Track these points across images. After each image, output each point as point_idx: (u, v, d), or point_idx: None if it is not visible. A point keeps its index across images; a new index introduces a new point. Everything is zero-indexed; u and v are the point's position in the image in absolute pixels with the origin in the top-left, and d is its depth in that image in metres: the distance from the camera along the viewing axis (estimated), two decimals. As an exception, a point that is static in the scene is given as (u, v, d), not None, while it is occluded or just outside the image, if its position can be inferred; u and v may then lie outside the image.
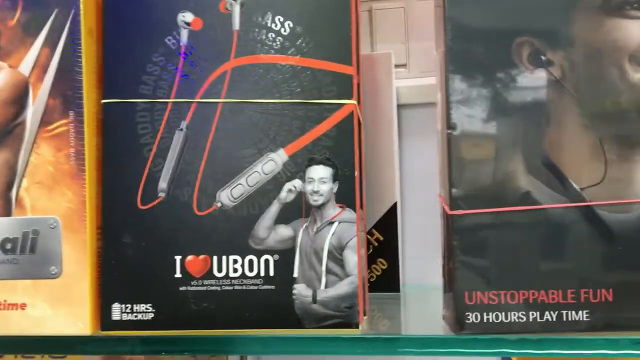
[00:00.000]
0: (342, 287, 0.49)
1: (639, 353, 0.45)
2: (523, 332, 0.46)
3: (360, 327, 0.49)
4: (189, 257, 0.50)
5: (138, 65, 0.51)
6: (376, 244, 0.70)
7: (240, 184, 0.50)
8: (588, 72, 0.46)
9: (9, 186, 0.51)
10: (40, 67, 0.51)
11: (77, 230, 0.50)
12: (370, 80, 0.69)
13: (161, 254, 0.50)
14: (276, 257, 0.49)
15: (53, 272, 0.50)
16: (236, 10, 0.50)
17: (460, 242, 0.47)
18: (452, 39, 0.47)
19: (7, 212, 0.51)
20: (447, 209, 0.48)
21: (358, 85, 0.54)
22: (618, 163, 0.46)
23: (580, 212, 0.46)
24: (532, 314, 0.46)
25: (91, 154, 0.51)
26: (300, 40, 0.50)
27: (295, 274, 0.49)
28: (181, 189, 0.50)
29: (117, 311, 0.50)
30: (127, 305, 0.50)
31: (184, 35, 0.51)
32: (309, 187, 0.49)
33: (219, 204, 0.50)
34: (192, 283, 0.49)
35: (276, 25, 0.50)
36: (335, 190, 0.49)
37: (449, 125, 0.47)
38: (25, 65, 0.51)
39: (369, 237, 0.70)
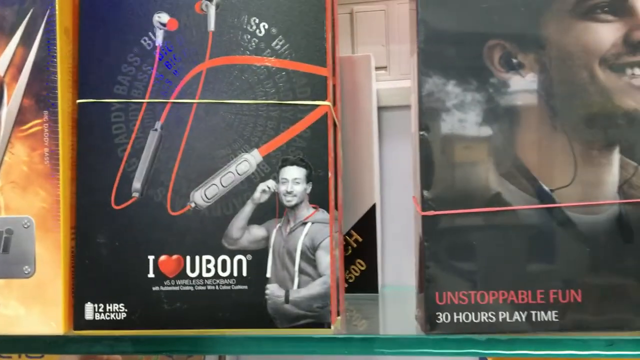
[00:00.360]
0: (315, 287, 0.49)
1: (609, 354, 0.45)
2: (493, 332, 0.46)
3: (332, 327, 0.49)
4: (162, 257, 0.50)
5: (113, 66, 0.51)
6: (355, 245, 0.70)
7: (214, 184, 0.50)
8: (559, 75, 0.47)
9: (-18, 185, 0.51)
10: (15, 66, 0.51)
11: (50, 230, 0.50)
12: (350, 82, 0.69)
13: (134, 254, 0.50)
14: (249, 257, 0.49)
15: (26, 272, 0.50)
16: (212, 12, 0.51)
17: (432, 243, 0.47)
18: (424, 42, 0.47)
19: (-19, 212, 0.51)
20: (419, 209, 0.48)
21: (334, 86, 0.54)
22: (587, 165, 0.46)
23: (550, 213, 0.47)
24: (502, 314, 0.47)
25: (65, 153, 0.51)
26: (275, 42, 0.50)
27: (268, 274, 0.49)
28: (155, 189, 0.50)
29: (90, 311, 0.50)
30: (100, 305, 0.50)
31: (160, 35, 0.51)
32: (282, 188, 0.49)
33: (192, 204, 0.50)
34: (165, 283, 0.49)
35: (251, 27, 0.50)
36: (308, 191, 0.49)
37: (421, 126, 0.47)
38: (0, 65, 0.51)
39: (347, 238, 0.70)
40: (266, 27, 0.50)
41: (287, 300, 0.49)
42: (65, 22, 0.52)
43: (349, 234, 0.70)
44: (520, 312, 0.46)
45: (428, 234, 0.47)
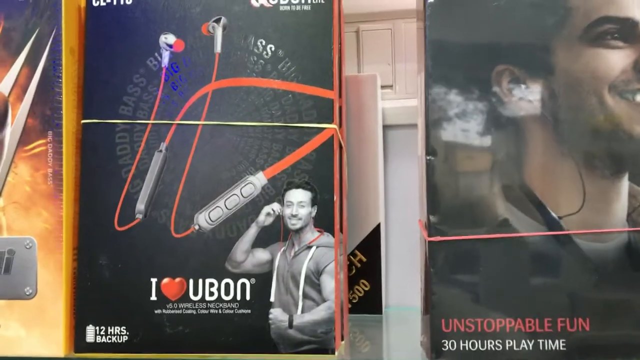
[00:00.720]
0: (319, 313, 0.48)
1: (617, 384, 0.45)
2: (499, 361, 0.45)
3: (336, 352, 0.48)
4: (165, 280, 0.49)
5: (118, 86, 0.51)
6: (359, 265, 0.70)
7: (218, 206, 0.49)
8: (567, 102, 0.46)
9: (-15, 205, 0.50)
10: (20, 86, 0.50)
11: (53, 251, 0.50)
12: (356, 102, 0.69)
13: (137, 276, 0.49)
14: (253, 281, 0.49)
15: (28, 293, 0.50)
16: (218, 33, 0.50)
17: (438, 269, 0.47)
18: (433, 64, 0.47)
19: (-17, 232, 0.50)
20: (425, 235, 0.48)
21: (340, 108, 0.54)
22: (596, 192, 0.46)
23: (558, 240, 0.46)
24: (509, 343, 0.46)
25: (69, 174, 0.51)
26: (281, 64, 0.50)
27: (272, 299, 0.49)
28: (159, 211, 0.50)
29: (91, 333, 0.49)
30: (102, 328, 0.49)
31: (166, 56, 0.51)
32: (287, 211, 0.49)
33: (196, 227, 0.49)
34: (168, 306, 0.49)
35: (258, 49, 0.50)
36: (313, 214, 0.49)
37: (428, 151, 0.47)
38: (5, 85, 0.50)
39: (351, 258, 0.69)
40: (273, 49, 0.50)
41: (290, 325, 0.48)
42: (71, 42, 0.51)
43: (353, 253, 0.70)
44: (528, 341, 0.46)
45: (434, 259, 0.47)
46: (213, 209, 0.49)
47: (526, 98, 0.46)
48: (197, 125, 0.50)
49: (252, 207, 0.49)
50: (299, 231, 0.49)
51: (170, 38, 0.51)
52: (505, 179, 0.46)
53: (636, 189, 0.46)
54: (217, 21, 0.50)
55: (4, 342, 0.50)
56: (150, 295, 0.49)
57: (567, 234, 0.46)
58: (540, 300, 0.46)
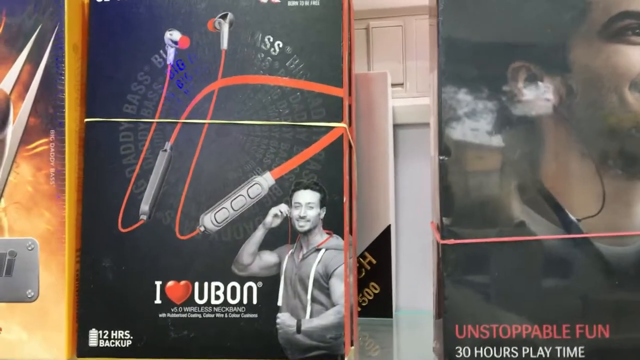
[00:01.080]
0: (328, 317, 0.47)
1: (637, 392, 0.43)
2: (515, 369, 0.44)
3: (346, 358, 0.47)
4: (170, 283, 0.48)
5: (123, 84, 0.49)
6: (369, 267, 0.68)
7: (224, 207, 0.48)
8: (586, 99, 0.44)
9: (-14, 206, 0.49)
10: (22, 84, 0.49)
11: (55, 253, 0.48)
12: (366, 100, 0.68)
13: (141, 279, 0.48)
14: (260, 284, 0.47)
15: (29, 296, 0.49)
16: (225, 29, 0.49)
17: (451, 273, 0.45)
18: (446, 62, 0.45)
19: (-16, 233, 0.49)
20: (438, 237, 0.46)
21: (350, 106, 0.53)
22: (616, 194, 0.44)
23: (576, 244, 0.44)
24: (525, 350, 0.44)
25: (72, 174, 0.49)
26: (289, 61, 0.48)
27: (280, 303, 0.47)
28: (163, 212, 0.48)
29: (94, 337, 0.48)
30: (105, 332, 0.48)
31: (171, 53, 0.49)
32: (295, 212, 0.47)
33: (202, 228, 0.48)
34: (173, 310, 0.48)
35: (265, 45, 0.49)
36: (322, 216, 0.47)
37: (441, 151, 0.45)
38: (7, 83, 0.49)
39: (361, 260, 0.68)
40: (280, 45, 0.49)
41: (298, 330, 0.47)
42: (74, 39, 0.50)
43: (362, 255, 0.68)
44: (545, 348, 0.44)
45: (447, 263, 0.45)
46: (219, 210, 0.48)
47: (543, 96, 0.45)
48: (203, 124, 0.49)
49: (259, 208, 0.48)
50: (307, 233, 0.47)
51: (175, 34, 0.49)
52: (521, 180, 0.45)
53: (658, 190, 0.44)
54: (224, 17, 0.49)
55: (5, 346, 0.48)
56: (155, 299, 0.48)
57: (586, 237, 0.44)
58: (557, 306, 0.44)
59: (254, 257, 0.47)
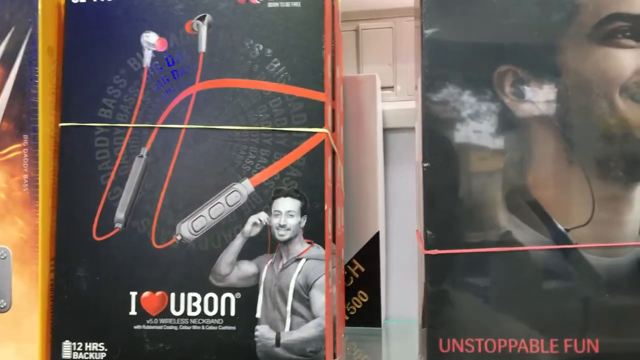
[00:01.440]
0: (308, 330, 0.45)
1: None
2: (501, 384, 0.42)
3: (327, 372, 0.45)
4: (145, 294, 0.46)
5: (98, 87, 0.48)
6: (357, 275, 0.67)
7: (202, 215, 0.46)
8: (575, 104, 0.43)
9: (-42, 213, 0.48)
10: (-6, 87, 0.48)
11: (28, 262, 0.47)
12: (354, 104, 0.66)
13: (116, 289, 0.46)
14: (238, 295, 0.46)
15: (2, 306, 0.47)
16: (203, 32, 0.48)
17: (435, 285, 0.43)
18: (429, 65, 0.44)
19: (-45, 241, 0.48)
20: (422, 247, 0.44)
21: (333, 111, 0.51)
22: (606, 203, 0.42)
23: (565, 254, 0.43)
24: (512, 365, 0.43)
25: (46, 180, 0.48)
26: (270, 64, 0.47)
27: (258, 314, 0.46)
28: (139, 220, 0.47)
29: (67, 349, 0.47)
30: (79, 344, 0.47)
31: (148, 56, 0.48)
32: (275, 221, 0.46)
33: (178, 237, 0.46)
34: (148, 321, 0.46)
35: (245, 48, 0.47)
36: (303, 224, 0.46)
37: (425, 157, 0.44)
38: (-21, 86, 0.48)
39: (349, 267, 0.66)
40: (260, 48, 0.47)
41: (278, 344, 0.45)
42: (49, 41, 0.49)
43: (350, 263, 0.66)
44: (532, 363, 0.42)
45: (431, 274, 0.43)
46: (196, 218, 0.46)
47: (531, 101, 0.43)
48: (180, 129, 0.47)
49: (238, 216, 0.46)
50: (287, 242, 0.46)
51: (152, 37, 0.48)
52: (508, 189, 0.43)
53: (650, 199, 0.42)
54: (202, 19, 0.48)
55: (-24, 358, 0.47)
56: (130, 310, 0.46)
57: (575, 247, 0.42)
58: (545, 320, 0.43)
59: (232, 267, 0.46)
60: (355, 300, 0.67)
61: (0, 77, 0.48)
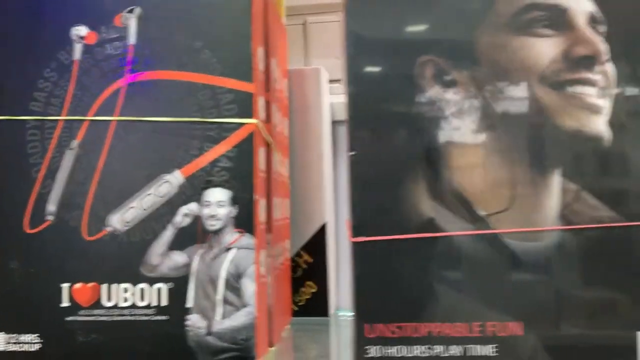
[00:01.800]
0: (239, 318, 0.46)
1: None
2: (426, 367, 0.43)
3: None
4: (77, 285, 0.47)
5: (29, 81, 0.48)
6: (305, 266, 0.67)
7: (133, 207, 0.47)
8: (494, 93, 0.44)
9: None
10: None
11: (-40, 255, 0.47)
12: (300, 96, 0.67)
13: (48, 281, 0.47)
14: (169, 285, 0.46)
15: None
16: (132, 24, 0.48)
17: (361, 271, 0.44)
18: (352, 57, 0.44)
19: None
20: (349, 235, 0.45)
21: (268, 103, 0.52)
22: (526, 189, 0.43)
23: (486, 240, 0.44)
24: (437, 348, 0.43)
25: (-23, 174, 0.48)
26: (199, 56, 0.47)
27: (190, 304, 0.46)
28: (70, 213, 0.47)
29: (2, 341, 0.47)
30: (13, 335, 0.47)
31: (78, 49, 0.48)
32: (205, 211, 0.46)
33: (109, 229, 0.47)
34: (80, 313, 0.46)
35: (174, 40, 0.48)
36: (233, 214, 0.46)
37: (350, 147, 0.44)
38: None
39: (297, 259, 0.67)
40: (190, 40, 0.47)
41: (209, 332, 0.46)
42: (-20, 35, 0.49)
43: (298, 254, 0.67)
44: (456, 346, 0.43)
45: (358, 261, 0.44)
46: (127, 210, 0.47)
47: (451, 90, 0.44)
48: (111, 121, 0.47)
49: (169, 207, 0.47)
50: (218, 232, 0.46)
51: (82, 30, 0.48)
52: (430, 176, 0.44)
53: (568, 185, 0.43)
54: (131, 11, 0.48)
55: None
56: (62, 301, 0.46)
57: (496, 232, 0.43)
58: (469, 304, 0.43)
59: (163, 257, 0.46)
60: (303, 291, 0.67)
61: None
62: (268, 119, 0.52)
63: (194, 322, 0.46)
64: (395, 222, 0.44)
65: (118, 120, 0.47)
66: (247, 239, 0.46)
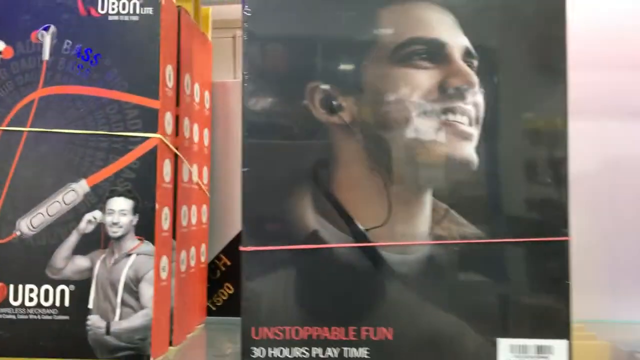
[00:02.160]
0: (136, 320, 0.49)
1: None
2: (303, 368, 0.47)
3: (160, 358, 0.49)
4: (-15, 285, 0.50)
5: (-54, 91, 0.51)
6: (223, 268, 0.71)
7: (40, 213, 0.50)
8: (376, 120, 0.48)
9: None
10: None
11: None
12: (223, 107, 0.70)
13: (-43, 281, 0.50)
14: (72, 287, 0.49)
15: None
16: (47, 41, 0.51)
17: (249, 278, 0.48)
18: (249, 78, 0.48)
19: None
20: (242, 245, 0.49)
21: (177, 117, 0.55)
22: (401, 206, 0.48)
23: (364, 252, 0.48)
24: (315, 350, 0.47)
25: None
26: (108, 73, 0.51)
27: (90, 305, 0.49)
28: (-19, 217, 0.50)
29: None
30: None
31: (-6, 62, 0.51)
32: (108, 219, 0.50)
33: (18, 233, 0.50)
34: (-13, 311, 0.49)
35: (85, 57, 0.51)
36: (135, 222, 0.50)
37: (243, 162, 0.48)
38: None
39: (216, 262, 0.70)
40: (100, 57, 0.51)
41: (108, 332, 0.49)
42: None
43: (217, 257, 0.71)
44: (333, 349, 0.47)
45: (246, 269, 0.48)
46: (35, 215, 0.50)
47: (337, 114, 0.48)
48: (22, 131, 0.50)
49: (74, 214, 0.50)
50: (119, 239, 0.50)
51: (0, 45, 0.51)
52: (315, 191, 0.48)
53: (438, 204, 0.48)
54: (46, 29, 0.51)
55: None
56: (-30, 300, 0.49)
57: (373, 245, 0.48)
58: (346, 310, 0.47)
59: (67, 261, 0.49)
60: (221, 292, 0.71)
61: None
62: (177, 133, 0.55)
63: (94, 322, 0.49)
64: (282, 234, 0.48)
65: (29, 131, 0.50)
66: (146, 246, 0.50)
